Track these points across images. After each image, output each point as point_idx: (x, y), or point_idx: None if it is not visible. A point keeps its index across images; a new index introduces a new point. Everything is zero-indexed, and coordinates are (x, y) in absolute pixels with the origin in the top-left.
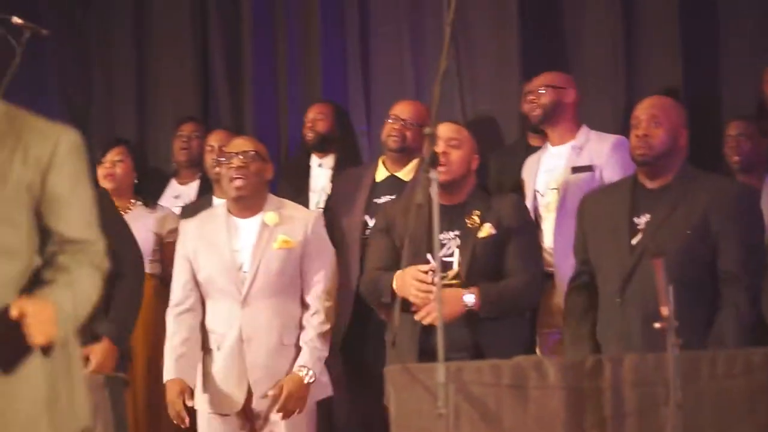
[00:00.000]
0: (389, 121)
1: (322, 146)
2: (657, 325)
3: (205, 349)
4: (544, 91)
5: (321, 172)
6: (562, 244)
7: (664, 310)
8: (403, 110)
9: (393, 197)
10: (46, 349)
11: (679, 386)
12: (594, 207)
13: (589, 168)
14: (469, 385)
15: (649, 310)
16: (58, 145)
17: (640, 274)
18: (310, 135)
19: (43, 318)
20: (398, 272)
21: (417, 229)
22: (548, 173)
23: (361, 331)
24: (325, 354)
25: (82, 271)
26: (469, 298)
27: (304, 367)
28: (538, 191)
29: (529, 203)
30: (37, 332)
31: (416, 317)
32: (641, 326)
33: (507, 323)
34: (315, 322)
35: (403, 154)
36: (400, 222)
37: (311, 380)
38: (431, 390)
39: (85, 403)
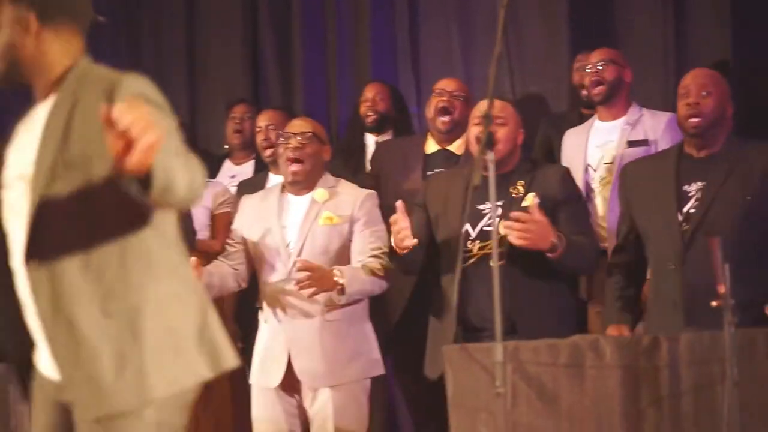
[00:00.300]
0: (434, 95)
1: (381, 125)
2: (714, 303)
3: (258, 323)
4: (604, 67)
5: None
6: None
7: (721, 288)
8: (446, 84)
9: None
10: (146, 183)
11: (736, 364)
12: (637, 175)
13: (644, 142)
14: (526, 365)
15: (706, 279)
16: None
17: (699, 243)
18: (370, 114)
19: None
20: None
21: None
22: (600, 148)
23: (420, 309)
24: (367, 286)
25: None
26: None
27: (340, 270)
28: (590, 165)
29: (578, 177)
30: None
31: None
32: (697, 294)
33: (546, 295)
34: (368, 258)
35: (452, 127)
36: (441, 195)
37: (340, 281)
38: (489, 369)
39: None
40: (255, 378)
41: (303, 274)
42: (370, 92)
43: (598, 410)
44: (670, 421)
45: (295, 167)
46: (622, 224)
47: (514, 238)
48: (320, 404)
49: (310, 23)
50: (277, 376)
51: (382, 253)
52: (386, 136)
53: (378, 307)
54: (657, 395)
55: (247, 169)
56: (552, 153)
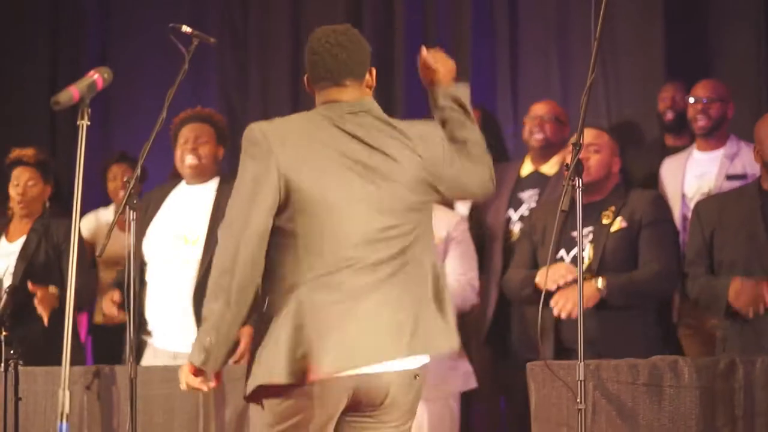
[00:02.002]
0: (527, 119)
1: None
2: None
3: None
4: (711, 104)
5: None
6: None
7: None
8: (539, 108)
9: (536, 191)
10: None
11: None
12: (717, 212)
13: (743, 177)
14: (607, 383)
15: None
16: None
17: None
18: None
19: None
20: (542, 269)
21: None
22: (699, 179)
23: (504, 324)
24: (456, 301)
25: None
26: (599, 283)
27: None
28: (686, 195)
29: (675, 206)
30: None
31: (552, 304)
32: None
33: (633, 318)
34: (458, 278)
35: (546, 148)
36: (540, 225)
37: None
38: (570, 386)
39: None
40: None
41: None
42: None
43: (675, 428)
44: None
45: None
46: (699, 258)
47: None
48: (416, 416)
49: (412, 45)
50: None
51: (469, 285)
52: None
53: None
54: (732, 416)
55: None
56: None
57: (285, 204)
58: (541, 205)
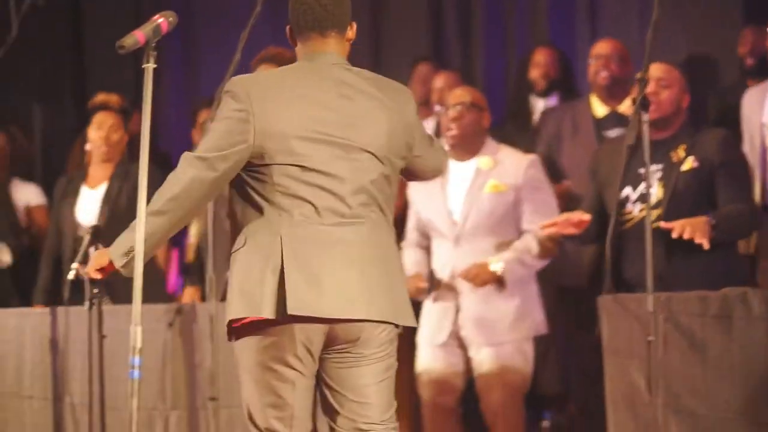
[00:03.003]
0: (591, 59)
1: (549, 89)
2: None
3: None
4: None
5: None
6: None
7: None
8: (602, 47)
9: (621, 130)
10: None
11: None
12: None
13: None
14: (677, 315)
15: None
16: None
17: None
18: (540, 79)
19: None
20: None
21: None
22: None
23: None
24: (528, 260)
25: None
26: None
27: (498, 258)
28: (765, 125)
29: (755, 136)
30: None
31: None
32: None
33: (705, 255)
34: (533, 233)
35: (612, 86)
36: (606, 164)
37: (498, 269)
38: (641, 318)
39: None
40: (422, 335)
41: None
42: (540, 56)
43: (745, 360)
44: None
45: (452, 132)
46: None
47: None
48: (485, 360)
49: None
50: (444, 332)
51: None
52: (552, 99)
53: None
54: None
55: (428, 127)
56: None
57: (260, 155)
58: (607, 143)
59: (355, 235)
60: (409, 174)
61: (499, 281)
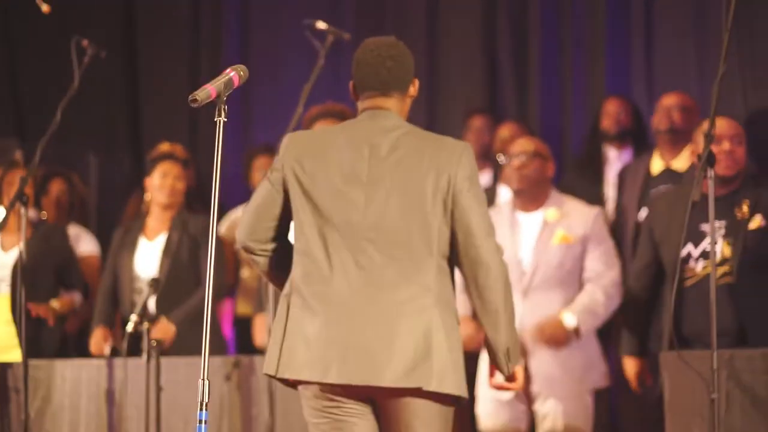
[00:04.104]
0: (657, 110)
1: (622, 138)
2: None
3: None
4: None
5: (618, 164)
6: None
7: None
8: (667, 99)
9: (668, 188)
10: None
11: None
12: None
13: None
14: (741, 373)
15: None
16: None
17: None
18: (612, 127)
19: None
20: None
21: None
22: None
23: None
24: (600, 311)
25: None
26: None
27: (569, 311)
28: None
29: None
30: None
31: None
32: None
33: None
34: (600, 282)
35: (673, 136)
36: (662, 220)
37: (572, 323)
38: (704, 376)
39: None
40: (483, 388)
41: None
42: (612, 106)
43: None
44: None
45: (516, 183)
46: None
47: None
48: (550, 414)
49: (547, 37)
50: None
51: (611, 283)
52: (626, 150)
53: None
54: None
55: (484, 179)
56: None
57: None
58: (665, 194)
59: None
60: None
61: (574, 335)
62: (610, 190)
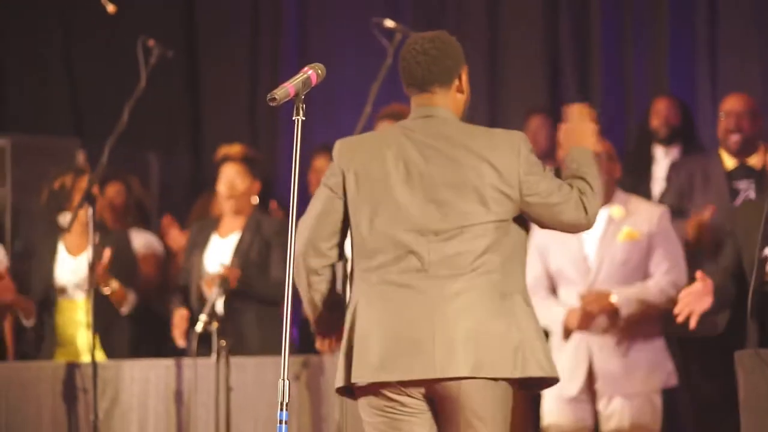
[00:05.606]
0: (722, 115)
1: (671, 139)
2: None
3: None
4: None
5: (666, 163)
6: None
7: None
8: (733, 103)
9: (751, 181)
10: None
11: None
12: None
13: None
14: None
15: None
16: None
17: None
18: (662, 127)
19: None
20: None
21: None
22: None
23: None
24: (650, 298)
25: None
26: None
27: (619, 291)
28: None
29: None
30: None
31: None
32: None
33: None
34: (660, 279)
35: (743, 146)
36: (743, 225)
37: (615, 301)
38: None
39: None
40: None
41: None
42: (661, 105)
43: None
44: None
45: None
46: None
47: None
48: (616, 414)
49: (609, 35)
50: (576, 384)
51: (673, 284)
52: (674, 149)
53: None
54: None
55: None
56: None
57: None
58: (745, 204)
59: None
60: (536, 221)
61: (613, 312)
62: (656, 188)
